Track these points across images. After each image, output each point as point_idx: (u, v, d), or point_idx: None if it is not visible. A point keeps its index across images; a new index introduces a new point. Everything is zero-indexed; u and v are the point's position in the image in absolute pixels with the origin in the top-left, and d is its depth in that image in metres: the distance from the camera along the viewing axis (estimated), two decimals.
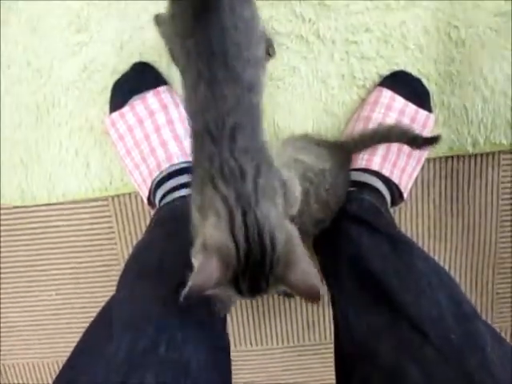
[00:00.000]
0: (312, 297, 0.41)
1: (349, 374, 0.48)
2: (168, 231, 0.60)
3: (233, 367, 0.89)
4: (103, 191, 0.78)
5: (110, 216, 0.81)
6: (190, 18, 0.47)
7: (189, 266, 0.55)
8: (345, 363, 0.49)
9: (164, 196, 0.67)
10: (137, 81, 0.69)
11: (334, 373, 0.55)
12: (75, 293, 0.85)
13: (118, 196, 0.79)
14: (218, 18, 0.46)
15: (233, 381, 0.91)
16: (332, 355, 0.56)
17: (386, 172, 0.67)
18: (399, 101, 0.69)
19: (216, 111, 0.45)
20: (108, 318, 0.49)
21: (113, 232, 0.82)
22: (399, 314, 0.48)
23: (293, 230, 0.44)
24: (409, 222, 0.79)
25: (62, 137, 0.75)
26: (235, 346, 0.88)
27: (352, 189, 0.66)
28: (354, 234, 0.59)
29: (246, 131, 0.46)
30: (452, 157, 0.76)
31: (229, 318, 0.86)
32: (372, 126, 0.68)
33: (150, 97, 0.69)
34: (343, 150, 0.67)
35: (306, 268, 0.42)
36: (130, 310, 0.48)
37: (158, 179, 0.68)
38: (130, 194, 0.79)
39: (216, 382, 0.47)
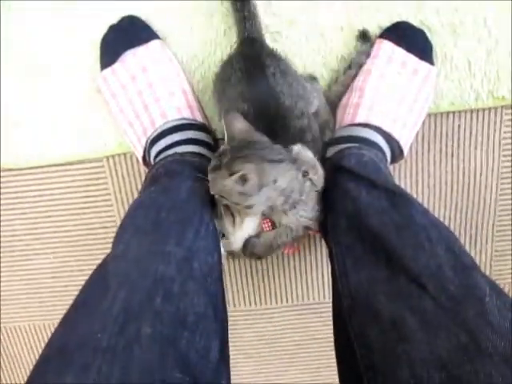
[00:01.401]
0: None
1: (345, 325, 0.48)
2: (163, 187, 0.59)
3: (232, 327, 0.90)
4: (98, 152, 0.77)
5: (105, 177, 0.79)
6: (240, 83, 0.60)
7: (184, 221, 0.55)
8: (342, 316, 0.49)
9: (158, 154, 0.66)
10: (127, 35, 0.67)
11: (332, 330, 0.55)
12: (72, 255, 0.85)
13: (112, 156, 0.78)
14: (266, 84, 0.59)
15: (232, 340, 0.92)
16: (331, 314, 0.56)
17: (386, 127, 0.65)
18: (400, 53, 0.66)
19: None
20: (103, 274, 0.48)
21: (109, 194, 0.80)
22: (397, 267, 0.48)
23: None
24: (408, 179, 0.78)
25: (54, 97, 0.73)
26: (234, 305, 0.88)
27: (351, 144, 0.64)
28: (352, 190, 0.58)
29: None
30: (453, 112, 0.74)
31: (228, 278, 0.87)
32: (372, 79, 0.66)
33: (143, 51, 0.67)
34: None
35: None
36: (125, 266, 0.47)
37: (152, 137, 0.66)
38: (124, 154, 0.77)
39: (214, 334, 0.47)
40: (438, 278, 0.45)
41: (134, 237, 0.51)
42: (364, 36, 0.68)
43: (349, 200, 0.58)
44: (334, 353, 0.53)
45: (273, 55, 0.62)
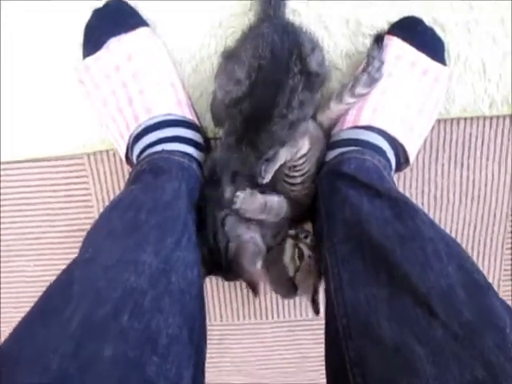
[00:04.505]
0: None
1: (340, 349, 0.42)
2: (144, 185, 0.53)
3: (220, 341, 0.84)
4: (78, 148, 0.71)
5: (85, 176, 0.74)
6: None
7: (166, 227, 0.49)
8: (336, 338, 0.43)
9: (142, 152, 0.60)
10: (113, 21, 0.61)
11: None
12: (50, 258, 0.79)
13: (94, 153, 0.72)
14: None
15: (220, 354, 0.86)
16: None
17: (392, 131, 0.59)
18: (410, 51, 0.61)
19: None
20: (68, 280, 0.42)
21: (89, 194, 0.74)
22: (402, 285, 0.42)
23: None
24: (414, 189, 0.72)
25: (32, 89, 0.67)
26: (221, 319, 0.82)
27: (352, 148, 0.59)
28: (352, 197, 0.52)
29: None
30: (465, 119, 0.68)
31: (217, 292, 0.80)
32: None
33: (129, 39, 0.61)
34: None
35: None
36: (93, 273, 0.41)
37: (135, 133, 0.61)
38: (107, 151, 0.71)
39: (188, 360, 0.41)
40: (448, 301, 0.39)
41: (106, 240, 0.45)
42: (378, 40, 0.60)
43: (348, 208, 0.52)
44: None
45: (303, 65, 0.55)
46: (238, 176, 0.57)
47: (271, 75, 0.53)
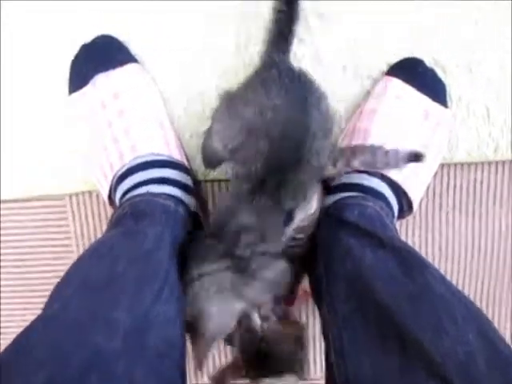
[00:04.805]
0: None
1: None
2: (126, 231, 0.48)
3: None
4: (60, 188, 0.67)
5: (66, 218, 0.69)
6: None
7: (144, 279, 0.44)
8: None
9: (125, 194, 0.55)
10: (101, 56, 0.58)
11: None
12: (21, 304, 0.72)
13: (76, 194, 0.67)
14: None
15: None
16: None
17: (394, 176, 0.56)
18: (410, 92, 0.58)
19: None
20: (26, 341, 0.36)
21: (69, 238, 0.69)
22: (413, 353, 0.36)
23: None
24: (417, 238, 0.67)
25: (12, 125, 0.64)
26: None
27: (353, 194, 0.55)
28: (353, 248, 0.48)
29: None
30: (469, 164, 0.65)
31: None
32: (378, 119, 0.57)
33: (117, 75, 0.58)
34: None
35: None
36: (55, 333, 0.36)
37: (119, 173, 0.56)
38: (90, 192, 0.67)
39: None
40: (468, 374, 0.34)
41: (76, 293, 0.40)
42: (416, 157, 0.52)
43: (349, 260, 0.47)
44: None
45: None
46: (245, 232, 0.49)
47: (293, 114, 0.47)
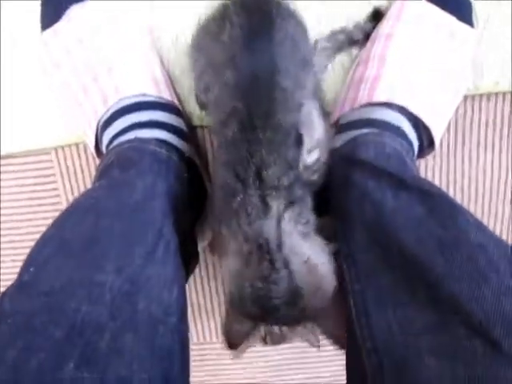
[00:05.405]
0: None
1: None
2: (110, 181, 0.43)
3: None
4: (45, 142, 0.61)
5: (54, 174, 0.63)
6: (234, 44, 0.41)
7: (133, 235, 0.38)
8: (363, 379, 0.33)
9: (111, 141, 0.49)
10: None
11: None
12: (9, 267, 0.68)
13: (62, 148, 0.61)
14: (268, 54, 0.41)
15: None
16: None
17: (414, 108, 0.49)
18: (433, 11, 0.50)
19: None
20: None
21: (58, 195, 0.64)
22: (449, 307, 0.31)
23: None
24: (437, 179, 0.61)
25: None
26: (218, 337, 0.72)
27: (369, 130, 0.48)
28: (372, 191, 0.42)
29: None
30: (496, 94, 0.58)
31: (209, 304, 0.70)
32: (395, 44, 0.50)
33: (94, 6, 0.50)
34: None
35: None
36: (27, 304, 0.31)
37: (104, 119, 0.50)
38: (77, 145, 0.61)
39: None
40: None
41: (54, 255, 0.35)
42: (375, 16, 0.54)
43: (368, 204, 0.41)
44: None
45: (286, 15, 0.44)
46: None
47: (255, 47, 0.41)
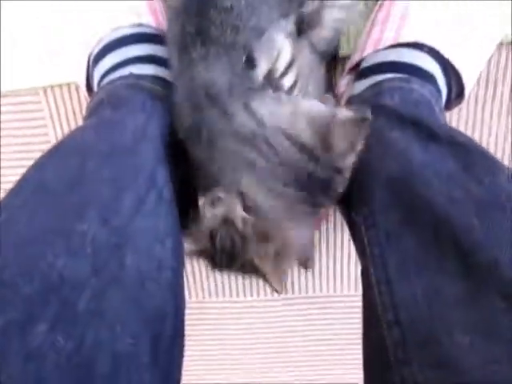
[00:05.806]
0: None
1: (389, 371, 0.28)
2: (98, 121, 0.38)
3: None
4: (33, 81, 0.55)
5: (43, 118, 0.58)
6: None
7: (121, 180, 0.34)
8: (383, 356, 0.29)
9: (103, 77, 0.44)
10: None
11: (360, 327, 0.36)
12: None
13: (52, 88, 0.56)
14: None
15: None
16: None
17: (445, 51, 0.43)
18: None
19: None
20: None
21: (48, 141, 0.59)
22: (483, 276, 0.27)
23: None
24: (469, 132, 0.56)
25: None
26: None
27: (393, 75, 0.43)
28: (397, 142, 0.37)
29: None
30: None
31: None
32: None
33: None
34: None
35: None
36: (4, 246, 0.26)
37: (95, 52, 0.45)
38: (68, 84, 0.56)
39: None
40: None
41: (28, 201, 0.30)
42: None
43: (392, 157, 0.36)
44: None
45: None
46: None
47: None
